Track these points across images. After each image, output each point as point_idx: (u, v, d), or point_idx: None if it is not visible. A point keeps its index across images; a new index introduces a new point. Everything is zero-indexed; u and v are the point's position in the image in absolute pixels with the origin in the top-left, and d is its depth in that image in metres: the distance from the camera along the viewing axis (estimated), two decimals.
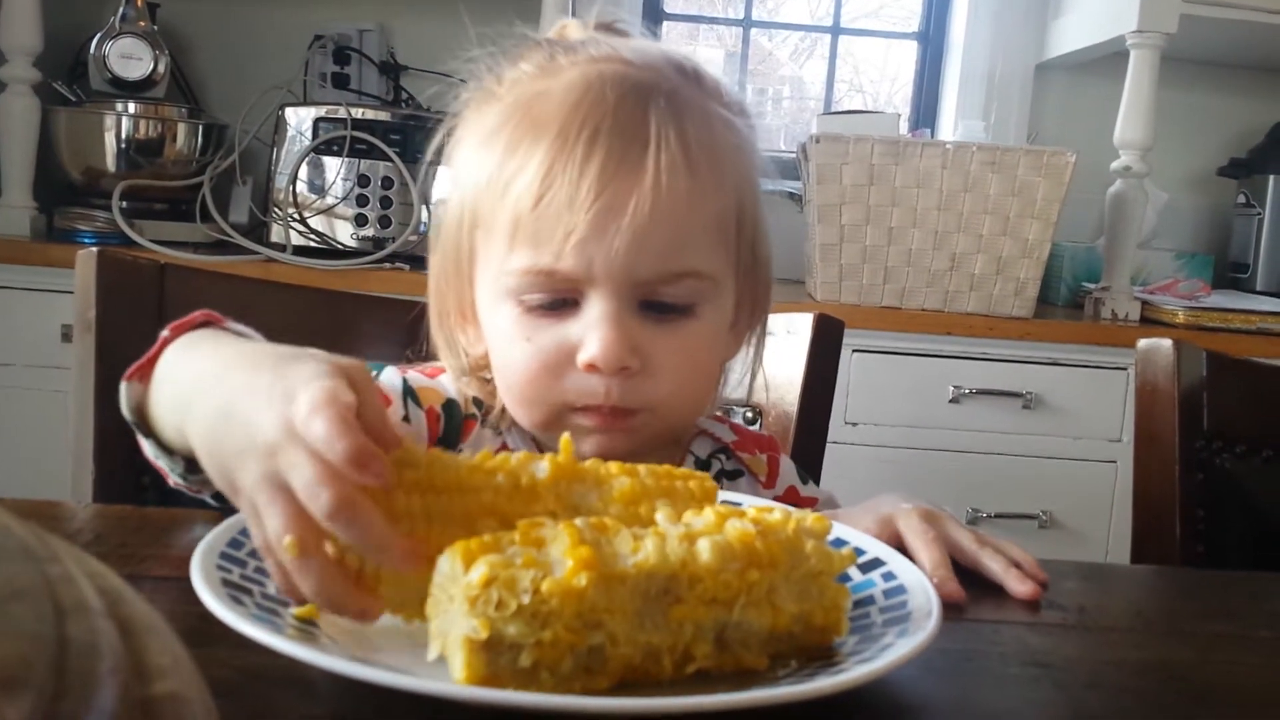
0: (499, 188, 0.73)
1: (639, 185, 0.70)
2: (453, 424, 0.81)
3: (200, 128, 2.19)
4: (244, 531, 0.58)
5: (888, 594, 0.57)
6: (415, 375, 0.82)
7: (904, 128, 2.39)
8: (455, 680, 0.46)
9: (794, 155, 2.29)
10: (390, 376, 0.80)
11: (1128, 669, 0.60)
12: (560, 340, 0.73)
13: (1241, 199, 2.49)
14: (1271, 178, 2.40)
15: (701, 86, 0.77)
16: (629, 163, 0.70)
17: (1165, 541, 1.09)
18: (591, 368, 0.72)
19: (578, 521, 0.48)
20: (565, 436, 0.58)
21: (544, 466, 0.56)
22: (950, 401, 2.03)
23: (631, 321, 0.73)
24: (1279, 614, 0.70)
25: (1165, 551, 1.08)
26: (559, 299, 0.73)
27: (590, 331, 0.72)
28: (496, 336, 0.77)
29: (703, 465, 0.86)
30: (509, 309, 0.75)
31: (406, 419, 0.77)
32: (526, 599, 0.45)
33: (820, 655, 0.52)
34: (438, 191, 0.85)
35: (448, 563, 0.47)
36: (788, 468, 0.90)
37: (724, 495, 0.64)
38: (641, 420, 0.75)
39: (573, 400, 0.74)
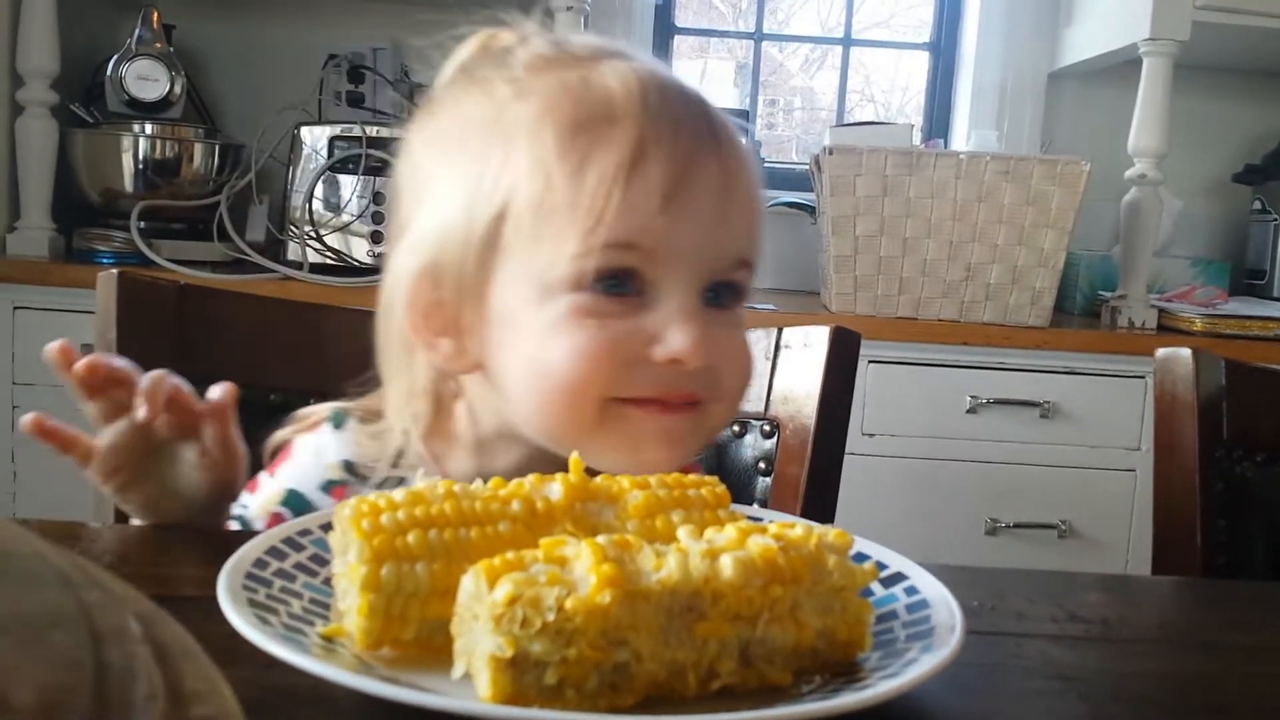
0: (569, 168, 0.67)
1: (721, 174, 0.69)
2: (302, 512, 0.78)
3: (217, 148, 2.20)
4: (270, 551, 0.58)
5: (910, 609, 0.57)
6: (260, 496, 0.81)
7: (917, 138, 2.39)
8: (481, 698, 0.46)
9: (806, 167, 2.29)
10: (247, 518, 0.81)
11: (1151, 681, 0.59)
12: (633, 330, 0.68)
13: (1257, 205, 2.48)
14: None
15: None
16: (708, 152, 0.69)
17: (1186, 552, 1.08)
18: (675, 362, 0.68)
19: (600, 539, 0.49)
20: (575, 455, 0.58)
21: (557, 488, 0.56)
22: (967, 412, 2.02)
23: (703, 315, 0.70)
24: None
25: (1186, 562, 1.08)
26: (626, 288, 0.69)
27: (673, 324, 0.68)
28: (534, 333, 0.69)
29: None
30: (563, 300, 0.68)
31: None
32: (551, 616, 0.45)
33: (845, 671, 0.52)
34: (411, 190, 0.76)
35: (472, 581, 0.47)
36: None
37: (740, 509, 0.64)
38: (707, 415, 0.72)
39: (638, 391, 0.69)
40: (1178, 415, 1.10)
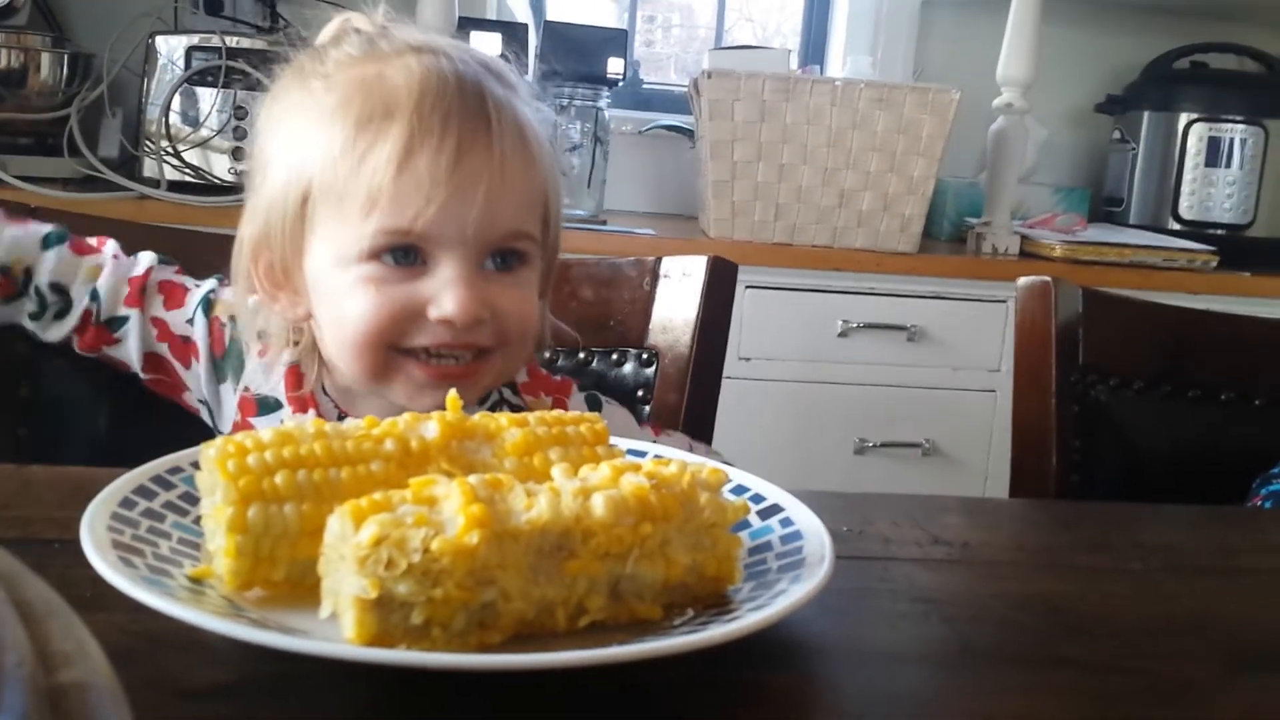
0: (353, 160, 0.77)
1: (489, 161, 0.78)
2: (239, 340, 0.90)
3: (66, 57, 2.08)
4: (137, 490, 0.56)
5: (784, 539, 0.58)
6: (230, 291, 0.89)
7: (794, 63, 2.39)
8: (346, 639, 0.45)
9: (685, 90, 2.28)
10: (208, 282, 0.92)
11: (1011, 602, 0.62)
12: (411, 294, 0.79)
13: (1117, 134, 2.56)
14: (1145, 114, 2.47)
15: (508, 82, 0.84)
16: (479, 142, 0.78)
17: (1042, 471, 1.13)
18: (446, 323, 0.78)
19: (471, 479, 0.48)
20: (453, 393, 0.58)
21: (433, 427, 0.56)
22: (839, 335, 2.07)
23: (478, 278, 0.80)
24: (1147, 546, 0.74)
25: (1042, 481, 1.13)
26: (409, 259, 0.79)
27: (445, 290, 0.78)
28: (333, 294, 0.81)
29: (485, 398, 0.90)
30: (355, 269, 0.79)
31: (190, 321, 0.90)
32: (417, 558, 0.45)
33: (716, 603, 0.53)
34: (255, 165, 0.87)
35: (338, 522, 0.47)
36: (576, 407, 0.94)
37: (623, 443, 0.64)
38: (485, 367, 0.82)
39: (421, 342, 0.79)
40: (1037, 342, 1.15)
